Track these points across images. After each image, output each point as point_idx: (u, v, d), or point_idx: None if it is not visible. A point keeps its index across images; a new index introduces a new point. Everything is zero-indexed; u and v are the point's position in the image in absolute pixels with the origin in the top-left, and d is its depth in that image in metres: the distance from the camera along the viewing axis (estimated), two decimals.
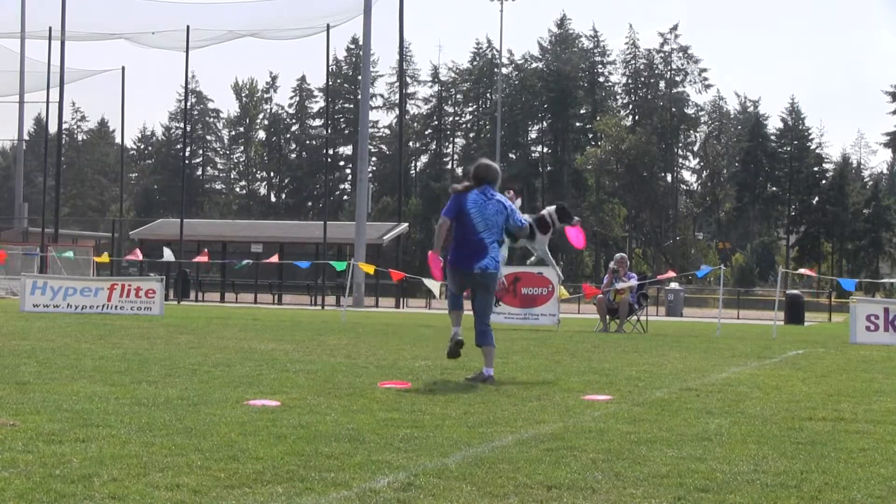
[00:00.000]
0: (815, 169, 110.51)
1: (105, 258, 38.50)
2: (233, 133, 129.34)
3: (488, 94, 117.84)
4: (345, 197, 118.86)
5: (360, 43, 67.09)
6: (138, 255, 39.26)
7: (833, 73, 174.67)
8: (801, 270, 39.27)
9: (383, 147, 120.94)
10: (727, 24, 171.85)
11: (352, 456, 6.86)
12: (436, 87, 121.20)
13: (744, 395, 11.15)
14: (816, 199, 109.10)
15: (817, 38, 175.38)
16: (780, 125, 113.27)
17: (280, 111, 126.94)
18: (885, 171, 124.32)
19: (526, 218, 12.33)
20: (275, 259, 39.65)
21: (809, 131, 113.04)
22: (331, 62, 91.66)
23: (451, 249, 12.27)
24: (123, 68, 64.47)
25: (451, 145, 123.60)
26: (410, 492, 5.86)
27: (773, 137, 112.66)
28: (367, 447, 7.22)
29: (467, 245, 12.04)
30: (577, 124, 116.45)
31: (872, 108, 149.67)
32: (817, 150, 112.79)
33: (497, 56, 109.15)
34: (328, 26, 53.28)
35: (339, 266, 36.83)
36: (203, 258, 38.34)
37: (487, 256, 12.02)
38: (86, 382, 10.76)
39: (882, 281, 42.66)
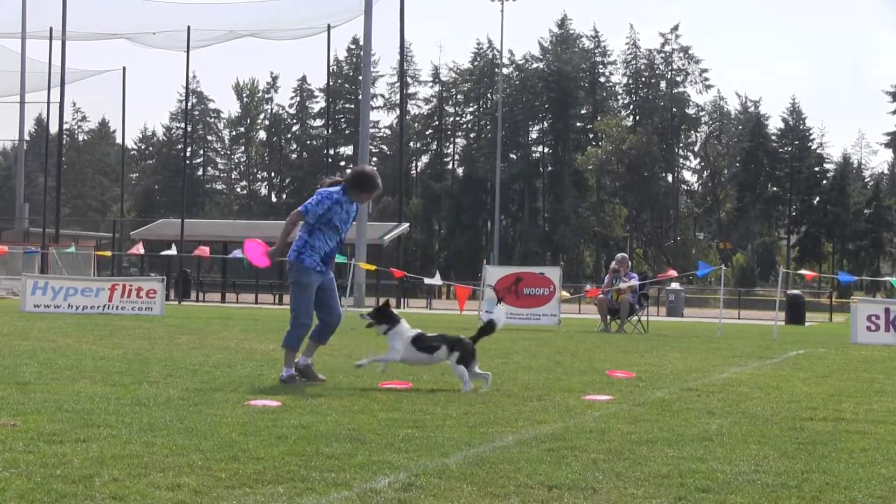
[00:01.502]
0: (816, 169, 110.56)
1: (106, 253, 38.50)
2: (233, 133, 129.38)
3: (489, 95, 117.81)
4: None
5: (361, 43, 67.10)
6: (140, 250, 39.42)
7: (833, 73, 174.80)
8: (801, 272, 39.28)
9: (384, 147, 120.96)
10: (728, 24, 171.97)
11: (353, 456, 6.86)
12: (436, 88, 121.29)
13: (745, 396, 11.15)
14: (817, 199, 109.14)
15: (817, 38, 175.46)
16: (781, 125, 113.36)
17: (281, 111, 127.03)
18: (885, 172, 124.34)
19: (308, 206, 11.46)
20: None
21: (810, 131, 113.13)
22: (331, 62, 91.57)
23: None
24: (124, 68, 64.67)
25: (451, 145, 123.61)
26: (411, 492, 5.86)
27: (773, 137, 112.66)
28: (367, 447, 7.22)
29: None
30: (578, 124, 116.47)
31: (873, 108, 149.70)
32: (818, 150, 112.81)
33: (498, 56, 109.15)
34: (329, 26, 53.37)
35: (340, 259, 37.11)
36: (203, 252, 38.43)
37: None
38: (87, 383, 10.76)
39: (882, 279, 42.73)
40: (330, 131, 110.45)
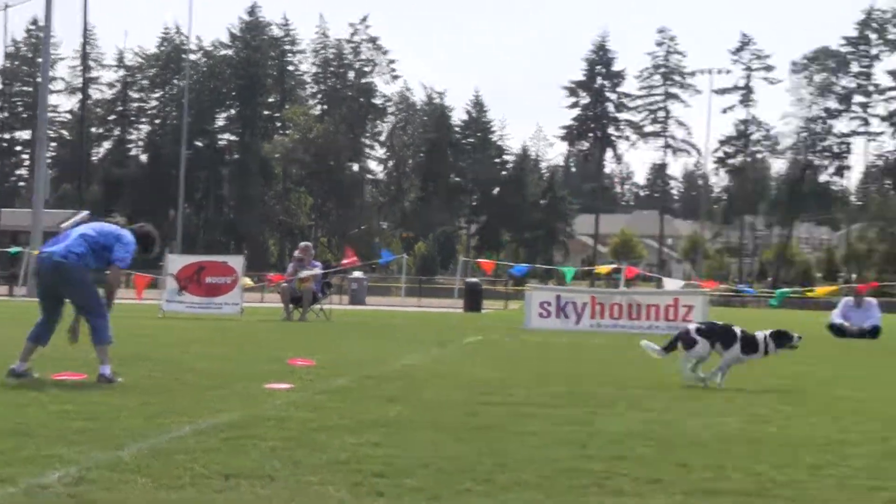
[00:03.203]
0: (497, 161, 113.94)
1: None
2: None
3: (175, 80, 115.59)
4: (21, 183, 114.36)
5: (42, 24, 64.68)
6: None
7: (514, 68, 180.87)
8: (479, 261, 40.48)
9: (64, 132, 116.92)
10: (415, 15, 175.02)
11: (19, 451, 6.61)
12: (121, 72, 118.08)
13: (423, 382, 11.37)
14: (497, 189, 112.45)
15: (504, 36, 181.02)
16: (465, 117, 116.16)
17: None
18: (560, 164, 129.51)
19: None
20: None
21: (491, 124, 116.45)
22: (8, 43, 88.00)
23: None
24: None
25: (135, 131, 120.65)
26: (82, 486, 5.70)
27: (457, 129, 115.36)
28: (36, 441, 6.96)
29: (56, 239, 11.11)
30: (266, 112, 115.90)
31: (551, 103, 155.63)
32: (498, 143, 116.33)
33: (185, 42, 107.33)
34: (6, 6, 51.16)
35: (14, 251, 36.28)
36: None
37: (65, 248, 10.80)
38: None
39: (551, 267, 44.57)
40: (6, 115, 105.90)
